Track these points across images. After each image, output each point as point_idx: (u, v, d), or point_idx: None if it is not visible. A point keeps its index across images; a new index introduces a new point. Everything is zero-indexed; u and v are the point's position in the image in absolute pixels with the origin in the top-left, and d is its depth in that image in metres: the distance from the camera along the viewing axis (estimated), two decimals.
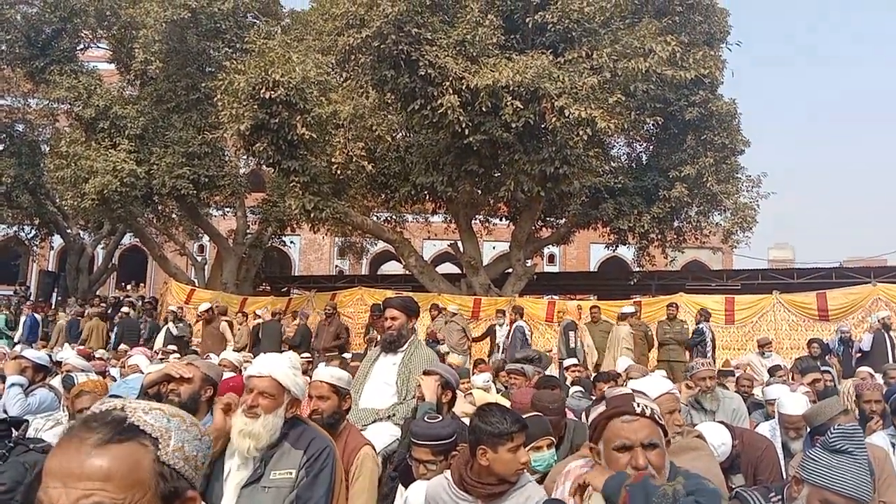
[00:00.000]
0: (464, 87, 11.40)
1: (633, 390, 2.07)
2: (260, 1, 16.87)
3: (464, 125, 11.58)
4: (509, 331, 11.95)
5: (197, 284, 19.63)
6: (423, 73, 11.60)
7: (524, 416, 3.23)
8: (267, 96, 11.44)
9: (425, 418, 3.17)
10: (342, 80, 14.42)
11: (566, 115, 11.27)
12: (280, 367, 2.68)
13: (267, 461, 2.55)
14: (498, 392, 6.65)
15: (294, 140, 12.15)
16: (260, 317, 13.82)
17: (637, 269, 18.27)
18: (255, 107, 11.66)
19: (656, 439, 1.91)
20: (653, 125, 14.30)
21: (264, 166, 15.34)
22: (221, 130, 13.61)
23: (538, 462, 3.05)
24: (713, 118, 14.07)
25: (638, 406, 1.94)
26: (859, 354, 10.27)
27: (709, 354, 10.72)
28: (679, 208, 14.94)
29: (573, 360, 9.12)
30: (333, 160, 12.62)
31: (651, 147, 15.94)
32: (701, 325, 11.19)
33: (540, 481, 2.88)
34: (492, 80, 11.12)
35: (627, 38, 12.43)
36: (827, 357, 10.09)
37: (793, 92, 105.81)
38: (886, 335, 10.16)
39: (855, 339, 10.71)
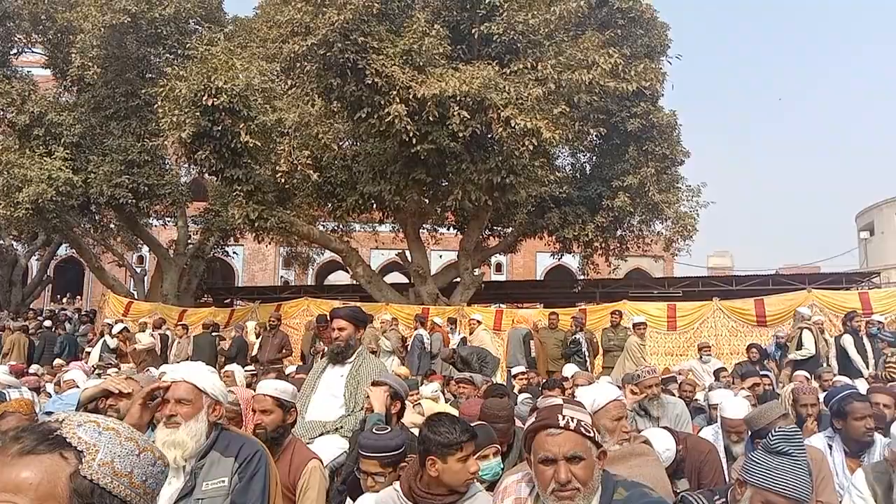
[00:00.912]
0: (411, 97, 11.39)
1: (564, 401, 2.07)
2: (202, 7, 16.57)
3: (411, 134, 11.57)
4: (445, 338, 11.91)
5: (136, 296, 19.10)
6: (369, 82, 11.55)
7: (471, 425, 3.23)
8: (209, 103, 11.22)
9: (373, 430, 3.13)
10: (287, 87, 14.25)
11: (512, 125, 11.37)
12: (195, 371, 2.61)
13: (197, 473, 2.47)
14: (447, 402, 6.63)
15: (237, 148, 11.94)
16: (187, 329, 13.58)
17: (582, 277, 18.55)
18: (197, 114, 11.42)
19: (581, 452, 1.91)
20: (596, 136, 14.57)
21: (206, 175, 15.02)
22: (162, 138, 13.30)
23: (484, 471, 3.04)
24: (654, 129, 14.41)
25: (563, 419, 1.93)
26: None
27: (587, 363, 10.86)
28: (622, 217, 15.23)
29: (521, 368, 9.17)
30: (278, 169, 12.43)
31: (594, 157, 16.23)
32: (577, 335, 11.31)
33: (487, 490, 2.87)
34: (439, 90, 11.14)
35: (571, 51, 12.64)
36: (765, 361, 10.36)
37: (732, 105, 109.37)
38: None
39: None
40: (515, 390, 7.34)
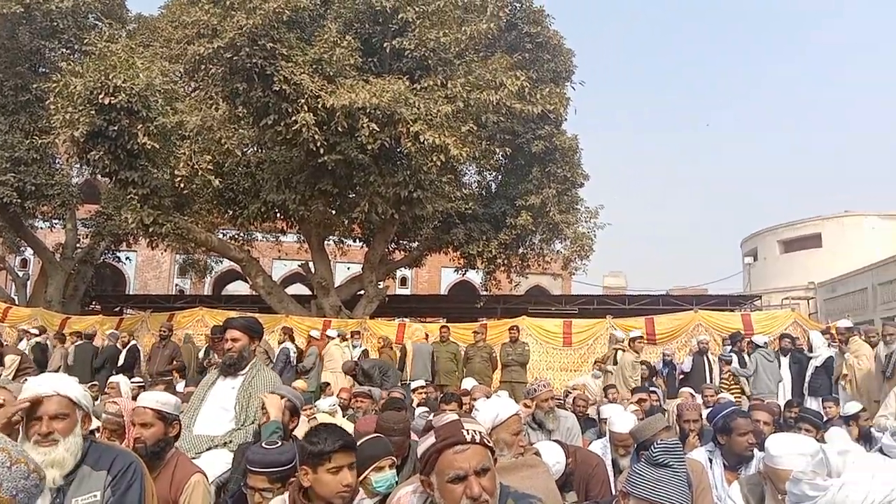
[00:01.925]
0: (320, 106, 11.28)
1: (458, 415, 2.07)
2: (103, 2, 15.90)
3: (319, 144, 11.44)
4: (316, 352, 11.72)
5: (17, 301, 17.94)
6: (277, 89, 11.36)
7: (366, 438, 3.19)
8: (106, 102, 10.77)
9: (262, 444, 3.04)
10: (191, 89, 13.83)
11: (421, 140, 11.46)
12: (64, 383, 2.46)
13: (65, 490, 2.32)
14: (345, 416, 6.54)
15: (134, 149, 11.48)
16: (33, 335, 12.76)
17: (484, 292, 18.81)
18: (93, 112, 10.95)
19: (487, 463, 1.92)
20: (502, 155, 14.89)
21: (99, 176, 14.34)
22: (53, 136, 12.60)
23: (380, 483, 3.01)
24: (557, 152, 14.87)
25: (468, 433, 1.93)
26: (682, 376, 11.11)
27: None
28: (524, 236, 15.59)
29: (420, 382, 9.18)
30: (177, 172, 11.99)
31: (500, 176, 16.57)
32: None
33: (382, 502, 2.84)
34: (348, 101, 11.09)
35: (480, 71, 12.88)
36: (654, 378, 10.81)
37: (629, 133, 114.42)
38: (705, 358, 11.08)
39: (677, 362, 11.57)
40: (414, 404, 7.33)
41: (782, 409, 7.45)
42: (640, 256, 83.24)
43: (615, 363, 10.49)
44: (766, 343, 10.85)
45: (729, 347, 11.17)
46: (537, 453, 3.32)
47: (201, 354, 11.61)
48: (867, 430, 5.97)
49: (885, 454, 3.77)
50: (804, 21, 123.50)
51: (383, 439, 3.30)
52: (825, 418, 6.67)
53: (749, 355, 10.70)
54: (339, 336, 12.13)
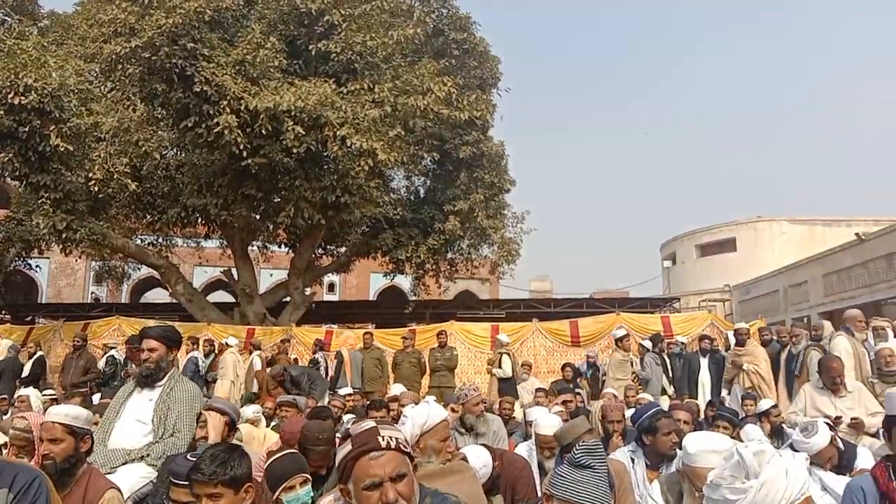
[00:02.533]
0: (243, 108, 11.04)
1: (377, 422, 2.06)
2: None
3: (242, 147, 11.19)
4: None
5: None
6: (198, 90, 11.07)
7: (275, 457, 3.14)
8: (16, 102, 10.37)
9: (187, 456, 2.95)
10: (107, 90, 13.31)
11: (348, 144, 11.36)
12: None
13: None
14: (269, 426, 6.41)
15: (46, 152, 11.03)
16: None
17: (413, 298, 18.81)
18: (1, 113, 10.52)
19: (403, 469, 1.92)
20: (430, 161, 14.95)
21: (9, 179, 13.65)
22: None
23: (291, 502, 2.97)
24: (484, 158, 15.05)
25: (383, 440, 1.93)
26: (605, 377, 11.36)
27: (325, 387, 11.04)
28: (452, 241, 15.68)
29: (348, 390, 9.09)
30: (92, 176, 11.54)
31: (428, 181, 16.62)
32: (316, 356, 11.48)
33: None
34: (272, 104, 10.90)
35: (408, 76, 12.89)
36: (578, 379, 11.03)
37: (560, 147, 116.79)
38: None
39: (601, 363, 11.84)
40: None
41: (702, 407, 7.73)
42: (565, 261, 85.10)
43: (500, 366, 10.65)
44: (654, 346, 11.12)
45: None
46: (464, 458, 3.33)
47: (101, 364, 11.15)
48: (779, 425, 6.24)
49: (794, 449, 3.95)
50: (723, 29, 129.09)
51: (294, 456, 3.25)
52: (743, 415, 6.94)
53: (669, 356, 11.03)
54: (255, 346, 11.86)
